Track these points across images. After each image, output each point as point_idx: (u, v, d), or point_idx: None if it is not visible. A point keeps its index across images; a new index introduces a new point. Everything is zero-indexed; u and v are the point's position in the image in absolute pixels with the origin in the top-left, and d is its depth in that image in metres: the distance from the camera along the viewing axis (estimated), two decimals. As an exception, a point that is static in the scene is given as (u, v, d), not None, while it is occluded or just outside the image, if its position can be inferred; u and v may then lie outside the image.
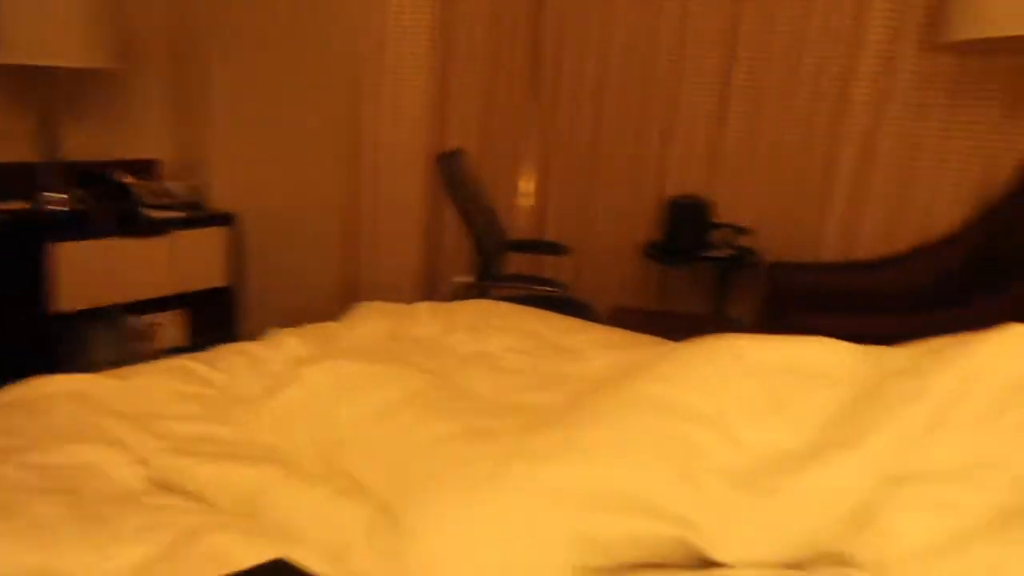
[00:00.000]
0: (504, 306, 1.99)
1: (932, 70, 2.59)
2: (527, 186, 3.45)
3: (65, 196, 2.66)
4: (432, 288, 3.41)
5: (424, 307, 1.94)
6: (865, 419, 0.97)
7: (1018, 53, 2.45)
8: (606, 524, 0.88)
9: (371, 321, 1.72)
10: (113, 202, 2.73)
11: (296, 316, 1.97)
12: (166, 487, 1.08)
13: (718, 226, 2.99)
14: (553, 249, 3.04)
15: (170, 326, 2.88)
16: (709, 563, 0.90)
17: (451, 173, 2.45)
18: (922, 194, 2.67)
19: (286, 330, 1.73)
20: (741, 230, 2.99)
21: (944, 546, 0.85)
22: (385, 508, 0.96)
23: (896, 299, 2.52)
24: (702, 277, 3.27)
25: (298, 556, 0.88)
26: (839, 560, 0.91)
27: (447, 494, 0.93)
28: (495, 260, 2.67)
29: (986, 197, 2.58)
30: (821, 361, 1.10)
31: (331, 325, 1.77)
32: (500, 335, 1.77)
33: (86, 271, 2.55)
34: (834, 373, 1.07)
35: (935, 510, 0.89)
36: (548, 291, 2.43)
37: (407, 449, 1.04)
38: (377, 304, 1.91)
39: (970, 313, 1.99)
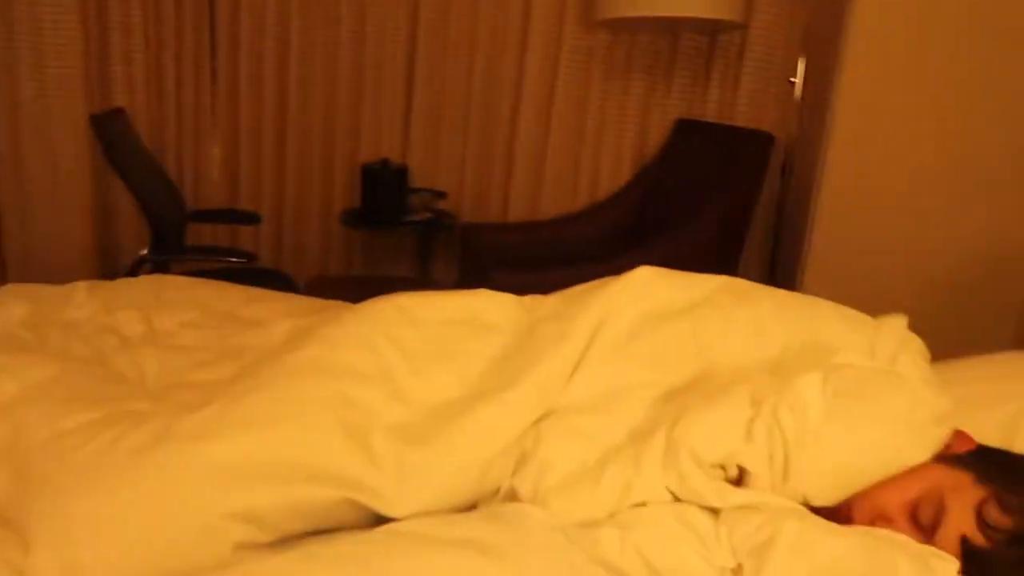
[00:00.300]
0: (179, 280, 1.82)
1: (591, 45, 2.85)
2: (214, 152, 3.20)
3: None
4: (113, 265, 3.04)
5: (81, 286, 1.71)
6: (520, 362, 1.03)
7: (654, 31, 2.78)
8: (262, 496, 0.84)
9: (3, 308, 1.47)
10: None
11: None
12: None
13: (416, 191, 3.03)
14: (243, 218, 2.86)
15: None
16: (383, 520, 0.90)
17: (110, 136, 2.17)
18: (590, 158, 2.94)
19: None
20: (438, 194, 3.06)
21: (586, 472, 0.94)
22: (5, 524, 0.82)
23: (571, 254, 2.76)
24: (404, 242, 3.31)
25: None
26: (508, 497, 0.97)
27: (73, 493, 0.82)
28: (175, 232, 2.44)
29: (641, 160, 2.91)
30: (483, 313, 1.15)
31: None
32: (173, 311, 1.61)
33: None
34: (495, 323, 1.13)
35: (578, 439, 0.97)
36: (234, 262, 2.28)
37: (29, 450, 0.89)
38: (17, 286, 1.64)
39: (625, 263, 2.24)
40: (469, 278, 2.67)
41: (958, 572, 0.82)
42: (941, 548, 0.85)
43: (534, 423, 0.99)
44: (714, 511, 0.88)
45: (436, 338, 1.07)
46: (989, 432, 1.07)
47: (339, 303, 1.77)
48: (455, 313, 1.13)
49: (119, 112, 2.38)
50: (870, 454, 0.91)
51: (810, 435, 0.90)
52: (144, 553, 0.80)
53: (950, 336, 1.85)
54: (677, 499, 0.90)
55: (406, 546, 0.84)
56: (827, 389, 0.93)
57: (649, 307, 1.11)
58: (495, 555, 0.82)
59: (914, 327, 1.12)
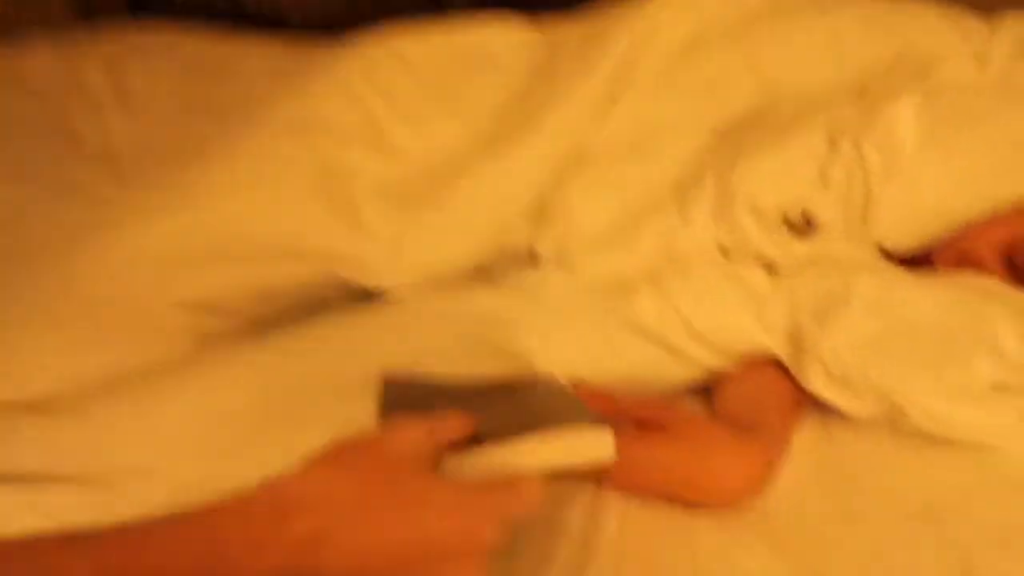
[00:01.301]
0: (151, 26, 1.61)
1: None
2: None
3: None
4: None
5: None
6: (538, 101, 0.85)
7: None
8: (221, 279, 0.72)
9: None
10: None
11: None
12: None
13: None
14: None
15: None
16: (371, 295, 0.79)
17: None
18: None
19: None
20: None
21: (616, 226, 0.79)
22: None
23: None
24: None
25: None
26: (527, 260, 0.84)
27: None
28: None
29: None
30: (491, 46, 0.93)
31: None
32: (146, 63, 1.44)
33: None
34: (506, 57, 0.92)
35: (611, 190, 0.82)
36: None
37: None
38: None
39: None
40: None
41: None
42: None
43: (556, 172, 0.83)
44: (773, 270, 0.73)
45: (433, 79, 0.88)
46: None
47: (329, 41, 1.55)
48: (458, 49, 0.92)
49: None
50: (976, 184, 0.73)
51: (898, 169, 0.72)
52: (90, 350, 0.69)
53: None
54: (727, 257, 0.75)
55: (418, 323, 0.73)
56: (925, 117, 0.73)
57: (696, 24, 0.89)
58: (519, 329, 0.71)
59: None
